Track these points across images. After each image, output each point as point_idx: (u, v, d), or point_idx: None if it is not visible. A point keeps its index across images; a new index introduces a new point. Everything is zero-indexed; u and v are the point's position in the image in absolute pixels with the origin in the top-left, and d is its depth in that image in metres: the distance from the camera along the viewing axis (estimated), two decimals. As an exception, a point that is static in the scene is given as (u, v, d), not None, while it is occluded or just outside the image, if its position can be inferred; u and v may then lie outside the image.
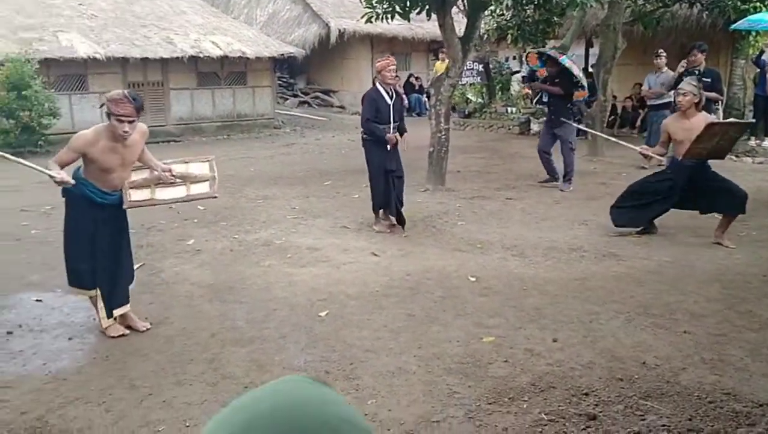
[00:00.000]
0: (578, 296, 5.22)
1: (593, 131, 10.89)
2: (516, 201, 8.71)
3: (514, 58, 21.61)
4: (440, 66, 18.51)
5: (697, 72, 9.52)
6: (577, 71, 9.53)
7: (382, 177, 7.22)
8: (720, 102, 11.00)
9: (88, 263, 4.47)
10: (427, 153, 9.72)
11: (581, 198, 8.83)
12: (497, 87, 19.14)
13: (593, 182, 9.86)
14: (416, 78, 21.04)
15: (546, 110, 10.11)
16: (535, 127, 16.15)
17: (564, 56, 9.64)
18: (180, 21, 17.08)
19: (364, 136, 7.31)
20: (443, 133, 9.47)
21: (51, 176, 4.18)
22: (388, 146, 7.12)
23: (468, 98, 19.05)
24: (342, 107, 22.21)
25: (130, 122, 4.22)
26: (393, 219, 7.42)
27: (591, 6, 8.64)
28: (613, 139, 8.63)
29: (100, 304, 4.51)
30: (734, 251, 6.39)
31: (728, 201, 6.52)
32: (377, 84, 7.23)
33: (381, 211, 7.42)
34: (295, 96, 23.19)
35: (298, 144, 15.07)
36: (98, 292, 4.50)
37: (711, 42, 15.05)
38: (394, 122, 7.19)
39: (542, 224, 7.53)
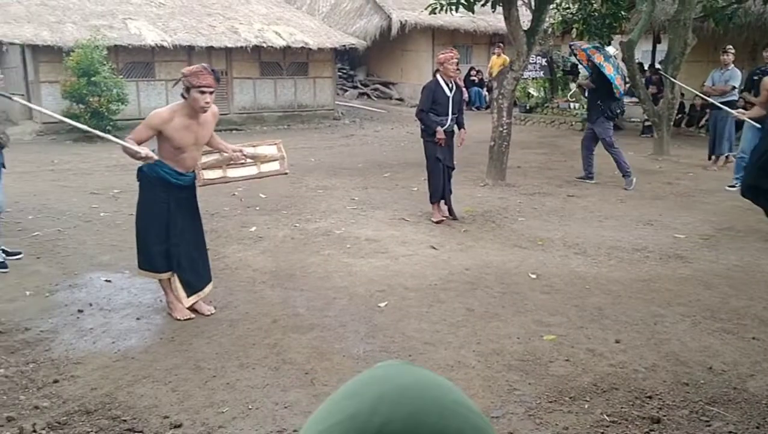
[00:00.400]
0: (642, 297, 5.12)
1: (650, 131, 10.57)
2: (578, 199, 8.57)
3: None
4: (496, 61, 18.36)
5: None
6: (611, 71, 9.29)
7: (436, 167, 7.34)
8: None
9: (162, 245, 4.57)
10: (488, 147, 9.64)
11: (646, 198, 8.64)
12: (560, 82, 18.84)
13: (658, 182, 9.63)
14: (477, 71, 20.87)
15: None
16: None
17: (599, 54, 9.46)
18: (244, 11, 17.32)
19: (422, 127, 7.42)
20: (505, 127, 9.38)
21: (136, 152, 4.25)
22: (437, 140, 7.19)
23: (529, 93, 18.80)
24: (401, 99, 22.21)
25: (210, 93, 4.34)
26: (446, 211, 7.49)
27: (661, 0, 8.40)
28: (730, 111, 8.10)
29: (176, 284, 4.62)
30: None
31: None
32: (438, 76, 7.28)
33: (437, 202, 7.48)
34: (355, 87, 23.28)
35: (357, 135, 15.14)
36: (175, 275, 4.61)
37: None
38: (452, 114, 7.25)
39: (605, 222, 7.39)
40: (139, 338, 4.34)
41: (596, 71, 9.32)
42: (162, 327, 4.49)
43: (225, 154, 4.87)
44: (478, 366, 3.98)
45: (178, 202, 4.58)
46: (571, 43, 10.24)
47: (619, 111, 9.79)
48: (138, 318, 4.64)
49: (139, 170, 4.52)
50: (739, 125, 10.04)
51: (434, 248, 6.37)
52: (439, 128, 7.15)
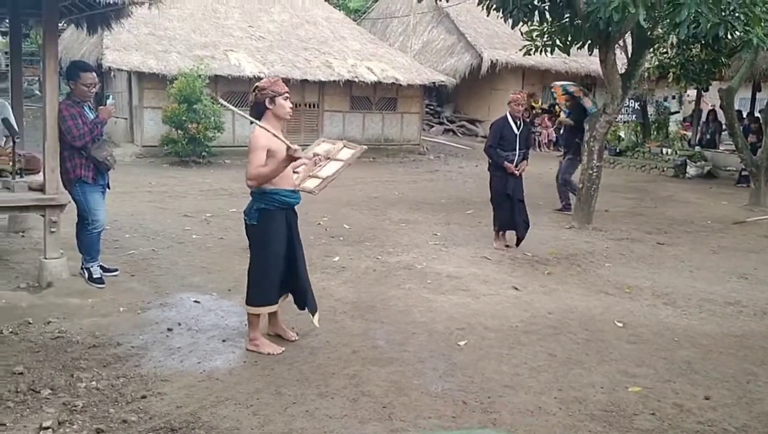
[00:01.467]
0: (734, 353, 4.90)
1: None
2: (668, 247, 8.31)
3: (674, 97, 20.76)
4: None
5: None
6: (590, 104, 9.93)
7: (502, 201, 7.87)
8: None
9: (281, 275, 4.65)
10: (576, 190, 9.51)
11: (741, 250, 8.30)
12: (653, 126, 18.43)
13: (755, 234, 9.24)
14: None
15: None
16: (691, 171, 15.39)
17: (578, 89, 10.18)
18: (339, 46, 17.79)
19: (490, 161, 8.04)
20: (595, 170, 9.24)
21: (288, 147, 4.25)
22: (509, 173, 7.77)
23: (620, 136, 18.45)
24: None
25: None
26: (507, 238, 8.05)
27: (766, 49, 8.15)
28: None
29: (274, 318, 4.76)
30: None
31: None
32: (507, 114, 7.82)
33: (499, 232, 8.03)
34: (441, 123, 23.43)
35: (441, 171, 15.20)
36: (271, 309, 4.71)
37: None
38: (520, 150, 7.81)
39: (696, 273, 7.13)
40: (224, 360, 4.45)
41: (576, 109, 9.76)
42: (246, 351, 4.60)
43: (305, 163, 5.02)
44: (559, 413, 3.89)
45: (293, 227, 4.68)
46: (552, 84, 10.50)
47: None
48: (224, 340, 4.76)
49: (258, 210, 4.49)
50: None
51: (516, 289, 6.30)
52: (507, 163, 7.71)
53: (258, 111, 4.47)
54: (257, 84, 4.52)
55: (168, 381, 4.10)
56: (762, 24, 7.83)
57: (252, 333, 4.66)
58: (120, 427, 3.55)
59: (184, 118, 13.47)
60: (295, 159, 4.34)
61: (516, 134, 7.76)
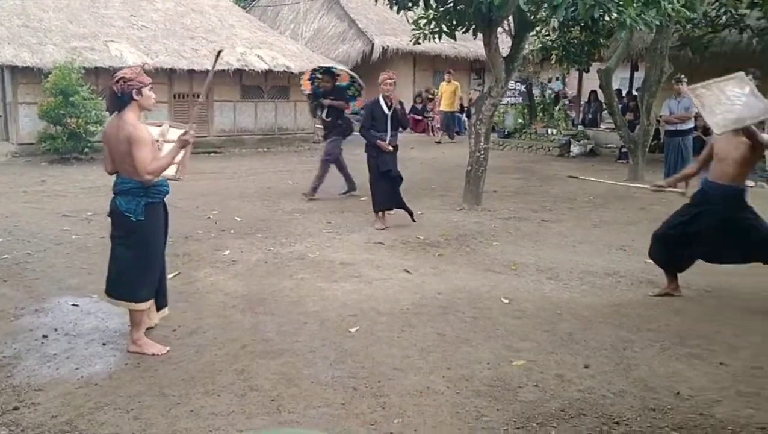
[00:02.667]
0: (612, 322, 5.13)
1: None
2: (552, 223, 8.62)
3: (557, 78, 21.52)
4: (445, 87, 18.41)
5: None
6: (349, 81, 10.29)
7: (379, 180, 8.08)
8: None
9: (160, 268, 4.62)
10: (465, 172, 9.70)
11: (620, 223, 8.70)
12: (538, 108, 19.04)
13: (633, 207, 9.70)
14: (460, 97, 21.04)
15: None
16: (575, 149, 16.01)
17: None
18: (227, 34, 17.38)
19: (366, 143, 8.25)
20: (482, 152, 9.45)
21: (185, 131, 4.42)
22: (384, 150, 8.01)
23: (508, 118, 19.00)
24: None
25: None
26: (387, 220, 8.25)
27: (639, 29, 8.55)
28: (621, 183, 8.36)
29: (153, 313, 4.62)
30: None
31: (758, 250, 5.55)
32: (379, 96, 8.03)
33: (379, 212, 8.23)
34: (336, 111, 23.34)
35: (337, 159, 15.14)
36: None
37: (760, 69, 14.80)
38: (392, 130, 8.05)
39: (579, 247, 7.43)
40: (104, 364, 4.27)
41: (336, 91, 10.02)
42: (128, 353, 4.43)
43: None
44: (447, 392, 3.96)
45: (167, 218, 4.64)
46: (313, 72, 10.57)
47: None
48: (104, 343, 4.57)
49: (146, 205, 4.37)
50: (696, 148, 10.29)
51: (408, 272, 6.36)
52: (380, 141, 7.96)
53: (122, 102, 4.30)
54: (121, 75, 4.32)
55: (42, 391, 3.90)
56: (634, 5, 8.19)
57: (136, 334, 4.48)
58: (-12, 443, 3.34)
59: (62, 112, 12.82)
60: (188, 142, 4.37)
61: (387, 115, 8.00)
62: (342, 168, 10.20)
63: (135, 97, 4.30)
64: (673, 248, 5.73)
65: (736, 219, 5.49)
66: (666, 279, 5.90)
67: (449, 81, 18.42)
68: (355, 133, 9.68)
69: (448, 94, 18.18)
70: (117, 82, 4.29)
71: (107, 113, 13.30)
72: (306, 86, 10.48)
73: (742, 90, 5.38)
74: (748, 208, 5.57)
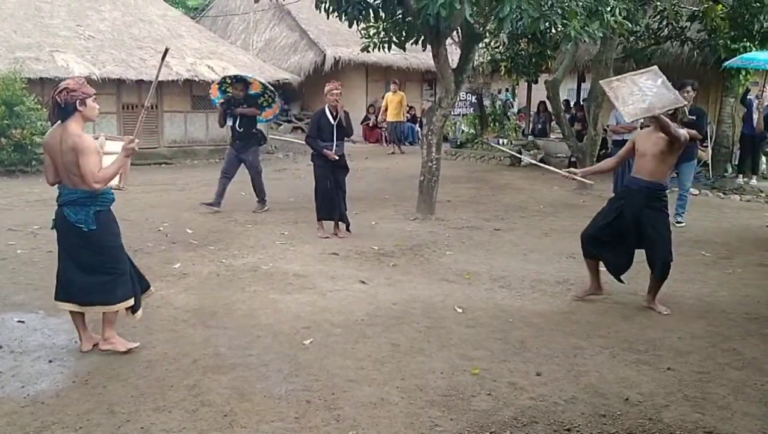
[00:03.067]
0: (563, 329, 5.22)
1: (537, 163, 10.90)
2: (504, 232, 8.72)
3: (507, 90, 21.85)
4: (391, 97, 18.49)
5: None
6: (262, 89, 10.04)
7: (325, 190, 8.21)
8: (705, 141, 11.08)
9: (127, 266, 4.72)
10: (418, 182, 9.76)
11: (570, 231, 8.83)
12: (489, 118, 19.28)
13: (582, 216, 9.83)
14: (409, 107, 21.16)
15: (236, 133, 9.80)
16: (526, 158, 16.23)
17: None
18: (177, 44, 17.14)
19: (312, 153, 8.34)
20: (434, 162, 9.52)
21: (131, 139, 4.49)
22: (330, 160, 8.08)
23: (462, 129, 19.19)
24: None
25: None
26: (340, 228, 8.38)
27: (584, 41, 8.75)
28: (534, 162, 8.54)
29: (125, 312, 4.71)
30: (719, 288, 6.41)
31: (655, 255, 5.72)
32: (326, 106, 8.16)
33: (321, 220, 8.38)
34: (289, 122, 23.28)
35: (290, 169, 15.11)
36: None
37: (701, 80, 15.19)
38: (337, 140, 8.14)
39: (530, 256, 7.54)
40: (51, 381, 4.16)
41: (248, 99, 9.81)
42: (75, 370, 4.32)
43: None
44: (401, 403, 3.97)
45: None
46: (223, 79, 10.38)
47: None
48: (50, 361, 4.45)
49: (95, 213, 4.43)
50: None
51: (363, 282, 6.36)
52: (326, 150, 8.04)
53: (65, 112, 4.30)
54: (64, 86, 4.32)
55: (-14, 411, 3.77)
56: (578, 17, 8.37)
57: (109, 332, 4.59)
58: (-72, 467, 3.22)
59: (6, 123, 12.48)
60: (134, 151, 4.44)
61: (333, 125, 8.10)
62: (227, 180, 9.81)
63: (78, 108, 4.32)
64: (601, 245, 5.86)
65: (647, 219, 5.62)
66: (589, 280, 6.05)
67: (395, 91, 18.45)
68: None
69: (394, 104, 18.27)
70: (60, 92, 4.29)
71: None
72: (214, 92, 10.28)
73: (654, 82, 5.61)
74: (662, 213, 5.72)
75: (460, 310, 5.62)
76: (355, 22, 9.37)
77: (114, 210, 4.66)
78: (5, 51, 14.39)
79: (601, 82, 6.01)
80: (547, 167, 7.00)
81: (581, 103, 17.43)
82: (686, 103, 5.69)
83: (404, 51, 10.41)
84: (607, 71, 12.01)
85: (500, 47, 14.94)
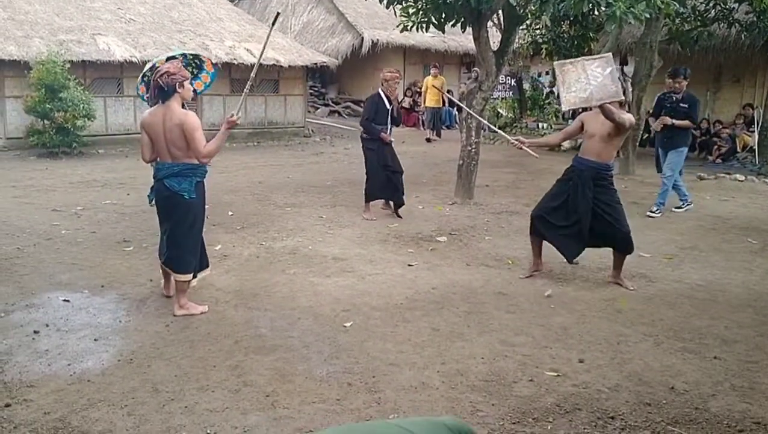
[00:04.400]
0: (606, 316, 5.14)
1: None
2: (545, 218, 8.61)
3: (547, 73, 21.53)
4: (431, 82, 17.92)
5: (674, 97, 9.12)
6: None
7: (377, 172, 8.29)
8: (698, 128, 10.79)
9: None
10: (456, 166, 9.68)
11: (611, 217, 8.71)
12: (529, 102, 19.04)
13: (624, 201, 9.67)
14: (448, 91, 20.96)
15: None
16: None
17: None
18: (216, 27, 17.26)
19: (363, 135, 8.45)
20: (473, 146, 9.43)
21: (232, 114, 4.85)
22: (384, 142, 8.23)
23: (499, 112, 18.96)
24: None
25: None
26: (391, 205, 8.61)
27: (629, 23, 8.54)
28: (493, 128, 8.33)
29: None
30: (767, 276, 6.26)
31: (614, 231, 5.77)
32: (380, 91, 8.32)
33: (369, 202, 8.46)
34: (326, 105, 23.30)
35: (327, 153, 15.12)
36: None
37: (748, 63, 14.88)
38: (391, 125, 8.35)
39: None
40: (96, 360, 4.23)
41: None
42: (120, 349, 4.39)
43: None
44: (441, 387, 3.95)
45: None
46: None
47: None
48: (96, 339, 4.52)
49: (196, 184, 4.91)
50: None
51: (402, 266, 6.34)
52: (383, 134, 8.18)
53: (167, 94, 4.76)
54: (165, 69, 4.77)
55: (34, 387, 3.85)
56: (624, -1, 8.16)
57: (183, 299, 4.97)
58: (-20, 441, 3.30)
59: (49, 106, 12.68)
60: (235, 124, 4.80)
61: (388, 110, 8.25)
62: None
63: (178, 89, 4.77)
64: (554, 229, 5.91)
65: (598, 200, 5.70)
66: (532, 258, 6.20)
67: (435, 75, 17.64)
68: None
69: (432, 88, 17.89)
70: (162, 76, 4.72)
71: (95, 107, 13.04)
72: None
73: (603, 71, 5.52)
74: (610, 190, 5.80)
75: (500, 295, 5.56)
76: (393, 3, 9.28)
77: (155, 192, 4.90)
78: (48, 34, 14.60)
79: (555, 63, 5.89)
80: (501, 133, 7.07)
81: (623, 86, 17.10)
82: (623, 98, 5.58)
83: (443, 33, 10.28)
84: (651, 54, 11.77)
85: (541, 29, 14.70)
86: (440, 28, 9.67)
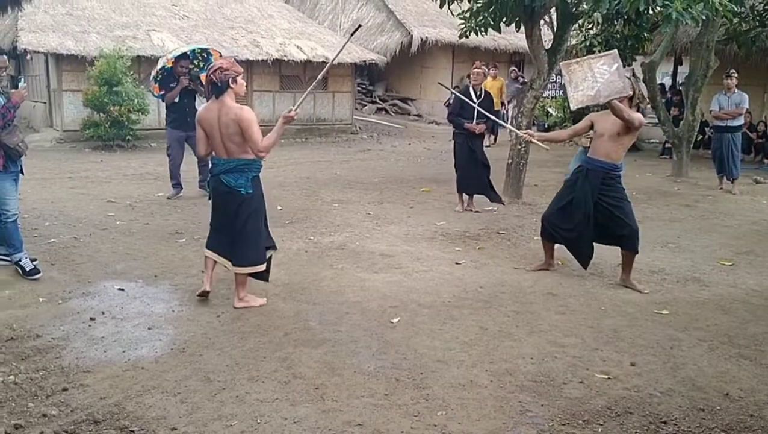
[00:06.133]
0: (659, 320, 5.04)
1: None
2: (595, 219, 8.48)
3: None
4: (490, 84, 17.04)
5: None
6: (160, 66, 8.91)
7: (463, 163, 8.58)
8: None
9: None
10: (506, 165, 9.62)
11: (664, 219, 8.55)
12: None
13: (677, 204, 9.54)
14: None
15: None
16: (503, 124, 15.52)
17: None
18: (267, 24, 17.46)
19: (454, 130, 8.73)
20: (523, 146, 9.35)
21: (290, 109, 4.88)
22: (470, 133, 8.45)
23: (548, 111, 18.72)
24: (419, 115, 22.24)
25: None
26: (473, 203, 8.85)
27: (685, 23, 8.35)
28: (501, 123, 8.36)
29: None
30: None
31: (623, 230, 5.71)
32: (470, 85, 8.57)
33: (461, 194, 8.79)
34: (374, 102, 23.35)
35: (374, 150, 15.17)
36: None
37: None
38: (478, 118, 8.37)
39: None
40: (150, 348, 4.32)
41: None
42: (173, 338, 4.48)
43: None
44: (490, 386, 3.93)
45: None
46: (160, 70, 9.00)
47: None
48: (149, 328, 4.62)
49: (253, 178, 4.94)
50: (744, 145, 10.26)
51: (449, 264, 6.33)
52: (467, 124, 8.37)
53: (220, 90, 4.78)
54: (219, 65, 4.80)
55: (90, 372, 3.96)
56: (681, -1, 7.99)
57: (242, 292, 5.05)
58: (40, 422, 3.41)
59: (106, 100, 13.00)
60: (293, 119, 4.84)
61: (476, 103, 8.31)
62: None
63: (231, 84, 4.79)
64: (565, 234, 5.92)
65: (603, 200, 5.69)
66: (544, 257, 6.24)
67: (494, 77, 16.46)
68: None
69: (493, 91, 17.22)
70: (215, 71, 4.76)
71: (149, 102, 13.27)
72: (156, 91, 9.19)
73: (609, 68, 5.44)
74: (617, 189, 5.76)
75: (549, 296, 5.51)
76: (448, 2, 9.25)
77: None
78: (105, 29, 14.97)
79: (561, 63, 5.79)
80: (510, 127, 7.22)
81: (677, 87, 16.74)
82: (630, 93, 5.48)
83: (499, 33, 10.21)
84: (708, 54, 11.51)
85: (594, 28, 14.46)
86: (497, 28, 9.60)
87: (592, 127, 5.81)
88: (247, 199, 4.92)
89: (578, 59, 5.74)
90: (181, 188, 9.12)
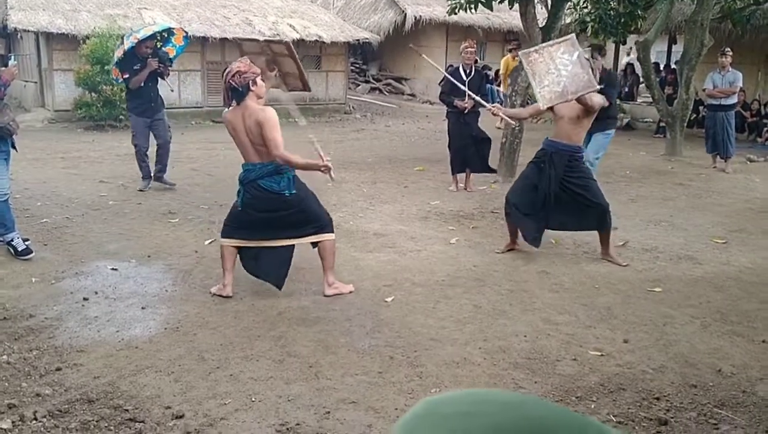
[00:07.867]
0: (652, 298, 5.06)
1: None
2: (588, 198, 8.49)
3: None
4: (509, 62, 17.04)
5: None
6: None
7: (455, 142, 8.54)
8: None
9: None
10: (499, 144, 9.59)
11: (658, 198, 8.56)
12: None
13: (670, 182, 9.55)
14: (490, 69, 20.64)
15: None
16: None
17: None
18: (259, 3, 17.31)
19: (447, 109, 8.69)
20: (517, 124, 9.31)
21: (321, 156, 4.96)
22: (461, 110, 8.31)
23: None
24: (413, 95, 22.13)
25: None
26: (470, 183, 8.78)
27: (681, 0, 8.32)
28: (475, 97, 8.18)
29: None
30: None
31: (590, 211, 5.75)
32: (460, 64, 8.42)
33: (455, 174, 8.73)
34: (367, 82, 23.23)
35: (367, 130, 15.11)
36: None
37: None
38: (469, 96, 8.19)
39: (616, 222, 7.30)
40: (144, 327, 4.32)
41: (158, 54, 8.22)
42: (166, 317, 4.47)
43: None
44: (483, 364, 3.94)
45: None
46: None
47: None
48: (143, 307, 4.62)
49: (291, 178, 4.82)
50: (738, 124, 10.32)
51: (443, 243, 6.33)
52: (458, 101, 8.22)
53: (241, 94, 4.60)
54: (236, 69, 4.59)
55: (84, 352, 3.96)
56: (675, -24, 7.97)
57: (331, 277, 4.96)
58: (33, 401, 3.41)
59: (98, 80, 12.89)
60: (321, 170, 4.88)
61: (465, 81, 8.14)
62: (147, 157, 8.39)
63: (251, 87, 4.63)
64: (524, 216, 5.88)
65: (570, 182, 5.68)
66: (509, 237, 6.20)
67: (515, 57, 14.60)
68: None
69: (510, 71, 16.80)
70: (233, 76, 4.57)
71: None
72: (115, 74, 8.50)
73: (570, 57, 5.35)
74: (582, 169, 5.78)
75: (543, 274, 5.52)
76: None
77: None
78: (95, 7, 14.81)
79: (520, 53, 5.72)
80: (479, 100, 7.27)
81: (672, 66, 16.70)
82: (597, 88, 5.43)
83: (491, 10, 10.14)
84: (702, 33, 11.45)
85: (588, 6, 14.39)
86: (488, 5, 9.55)
87: (551, 108, 5.68)
88: (291, 199, 4.78)
89: (536, 47, 5.63)
90: (151, 179, 8.27)
